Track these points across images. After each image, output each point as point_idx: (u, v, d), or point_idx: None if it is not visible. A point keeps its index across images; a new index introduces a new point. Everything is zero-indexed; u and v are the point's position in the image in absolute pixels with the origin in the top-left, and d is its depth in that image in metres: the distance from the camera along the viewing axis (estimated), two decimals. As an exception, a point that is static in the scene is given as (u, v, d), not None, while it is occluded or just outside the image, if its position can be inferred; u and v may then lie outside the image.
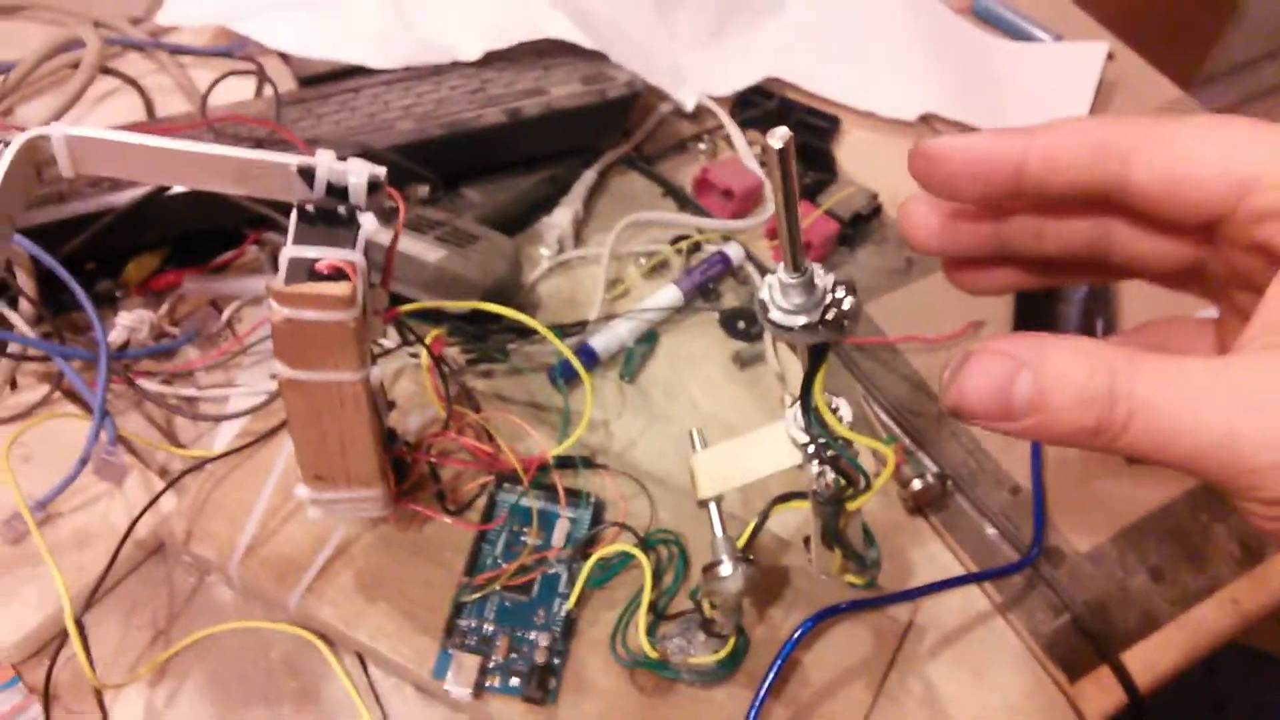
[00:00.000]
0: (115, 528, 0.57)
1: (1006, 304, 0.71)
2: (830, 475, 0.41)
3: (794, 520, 0.59)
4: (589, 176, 0.76)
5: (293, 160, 0.43)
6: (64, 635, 0.53)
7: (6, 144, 0.41)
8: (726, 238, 0.74)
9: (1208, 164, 0.26)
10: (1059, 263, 0.32)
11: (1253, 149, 0.26)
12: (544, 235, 0.73)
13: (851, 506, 0.43)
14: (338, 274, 0.41)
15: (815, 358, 0.35)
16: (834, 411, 0.41)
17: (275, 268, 0.69)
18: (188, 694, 0.54)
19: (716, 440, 0.50)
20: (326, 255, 0.42)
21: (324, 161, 0.43)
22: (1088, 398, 0.24)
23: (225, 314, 0.68)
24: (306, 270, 0.41)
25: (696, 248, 0.74)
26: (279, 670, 0.55)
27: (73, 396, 0.63)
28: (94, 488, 0.58)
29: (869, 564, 0.48)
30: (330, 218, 0.43)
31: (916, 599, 0.57)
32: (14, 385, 0.64)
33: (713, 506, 0.49)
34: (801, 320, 0.32)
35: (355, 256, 0.42)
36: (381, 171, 0.44)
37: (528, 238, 0.74)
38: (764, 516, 0.49)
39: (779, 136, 0.28)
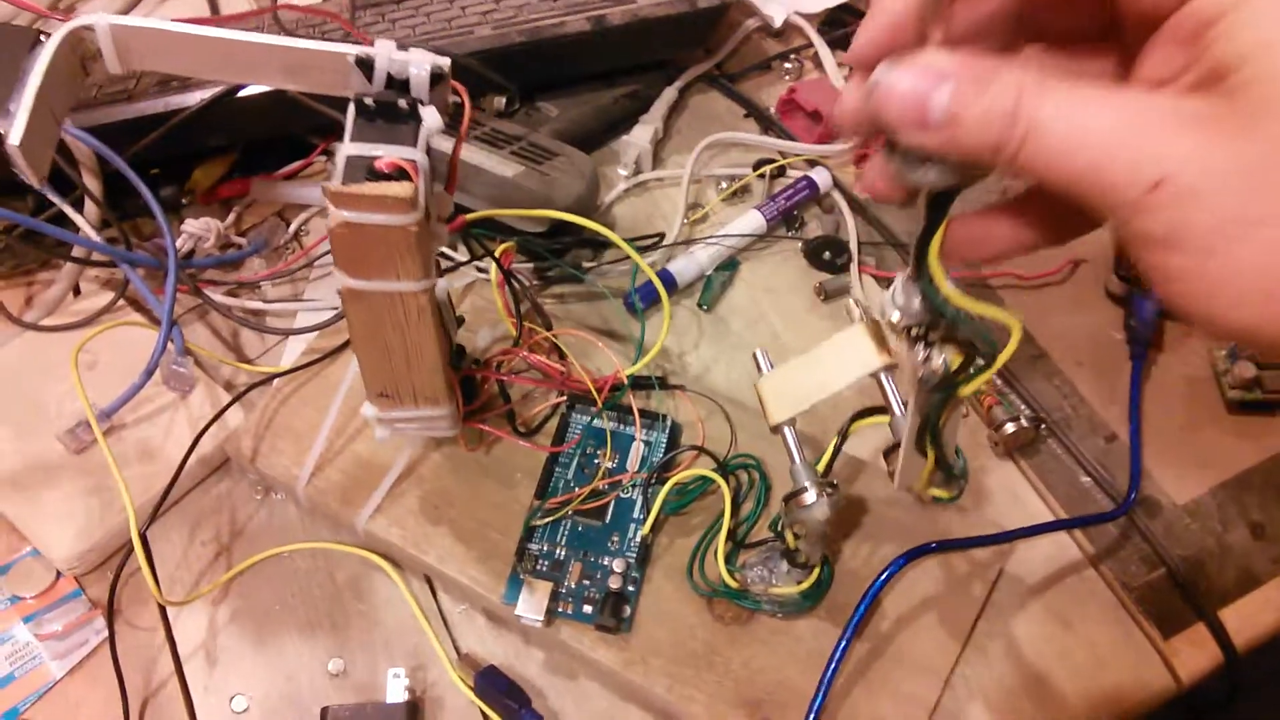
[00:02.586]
0: (179, 441, 0.55)
1: (1106, 244, 0.67)
2: (939, 358, 0.36)
3: (871, 440, 0.56)
4: (670, 94, 0.72)
5: (350, 50, 0.40)
6: (127, 549, 0.51)
7: (49, 36, 0.38)
8: (812, 163, 0.70)
9: None
10: None
11: None
12: (621, 154, 0.70)
13: (967, 390, 0.37)
14: (399, 173, 0.38)
15: (937, 209, 0.30)
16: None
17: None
18: (252, 614, 0.53)
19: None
20: (386, 153, 0.38)
21: (383, 51, 0.40)
22: (994, 114, 0.25)
23: (293, 225, 0.66)
24: (365, 169, 0.38)
25: (780, 172, 0.70)
26: (345, 593, 0.53)
27: (137, 305, 0.61)
28: (158, 399, 0.57)
29: (957, 473, 0.44)
30: (390, 113, 0.40)
31: (1009, 541, 0.54)
32: (78, 291, 0.62)
33: (787, 431, 0.46)
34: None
35: (417, 155, 0.39)
36: (445, 63, 0.40)
37: (604, 156, 0.71)
38: (843, 436, 0.46)
39: None
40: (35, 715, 0.50)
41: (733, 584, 0.49)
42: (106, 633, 0.52)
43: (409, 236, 0.38)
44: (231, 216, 0.65)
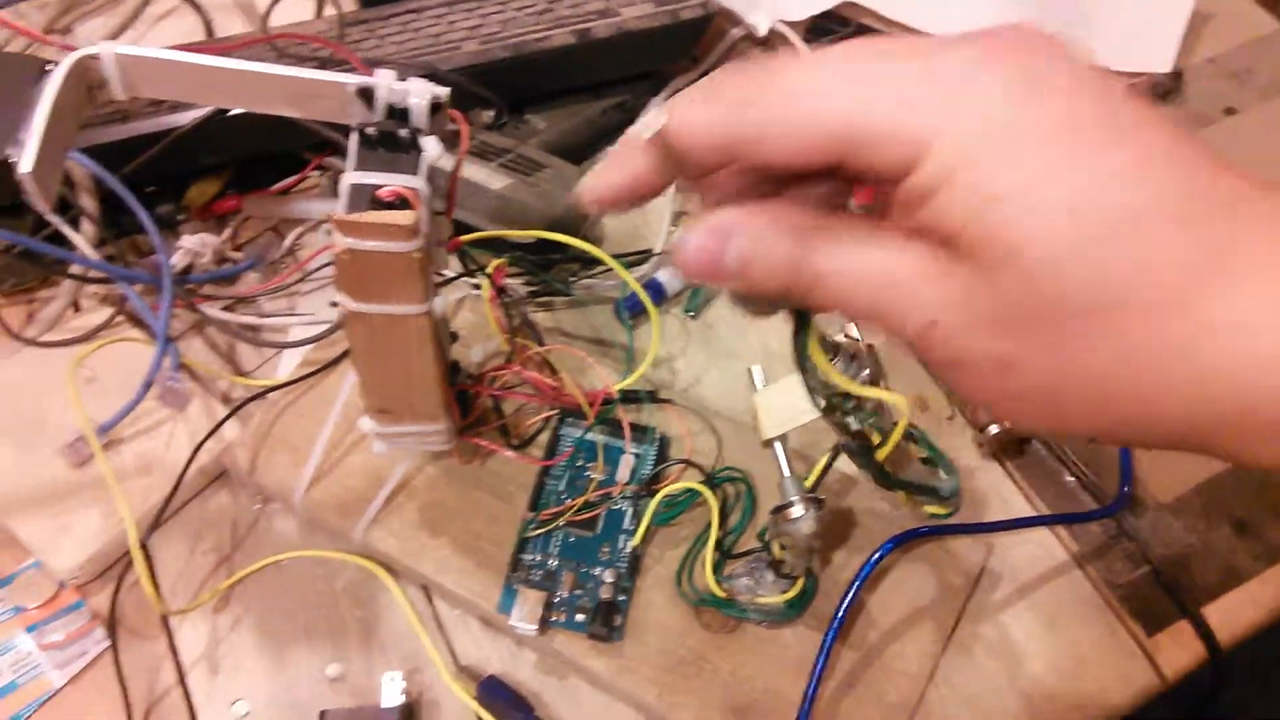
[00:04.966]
0: (177, 453, 0.56)
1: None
2: (855, 426, 0.40)
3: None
4: (657, 104, 0.73)
5: (351, 81, 0.41)
6: (128, 559, 0.53)
7: (56, 65, 0.39)
8: (798, 170, 0.71)
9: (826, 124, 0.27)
10: None
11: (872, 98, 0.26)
12: (609, 164, 0.71)
13: (880, 455, 0.41)
14: (400, 202, 0.39)
15: (798, 317, 0.33)
16: (853, 359, 0.39)
17: (338, 193, 0.69)
18: (253, 621, 0.54)
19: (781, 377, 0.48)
20: (389, 182, 0.40)
21: (384, 82, 0.41)
22: (779, 263, 0.28)
23: (287, 240, 0.67)
24: (368, 198, 0.40)
25: (767, 178, 0.71)
26: (344, 600, 0.54)
27: (135, 320, 0.62)
28: (156, 413, 0.58)
29: (947, 494, 0.47)
30: (392, 142, 0.41)
31: (999, 531, 0.55)
32: (77, 308, 0.63)
33: (778, 446, 0.47)
34: None
35: (419, 183, 0.40)
36: (444, 92, 0.42)
37: (592, 167, 0.72)
38: (835, 455, 0.47)
39: None
40: (40, 724, 0.51)
41: (720, 593, 0.50)
42: (107, 643, 0.53)
43: (411, 262, 0.40)
44: (227, 232, 0.66)
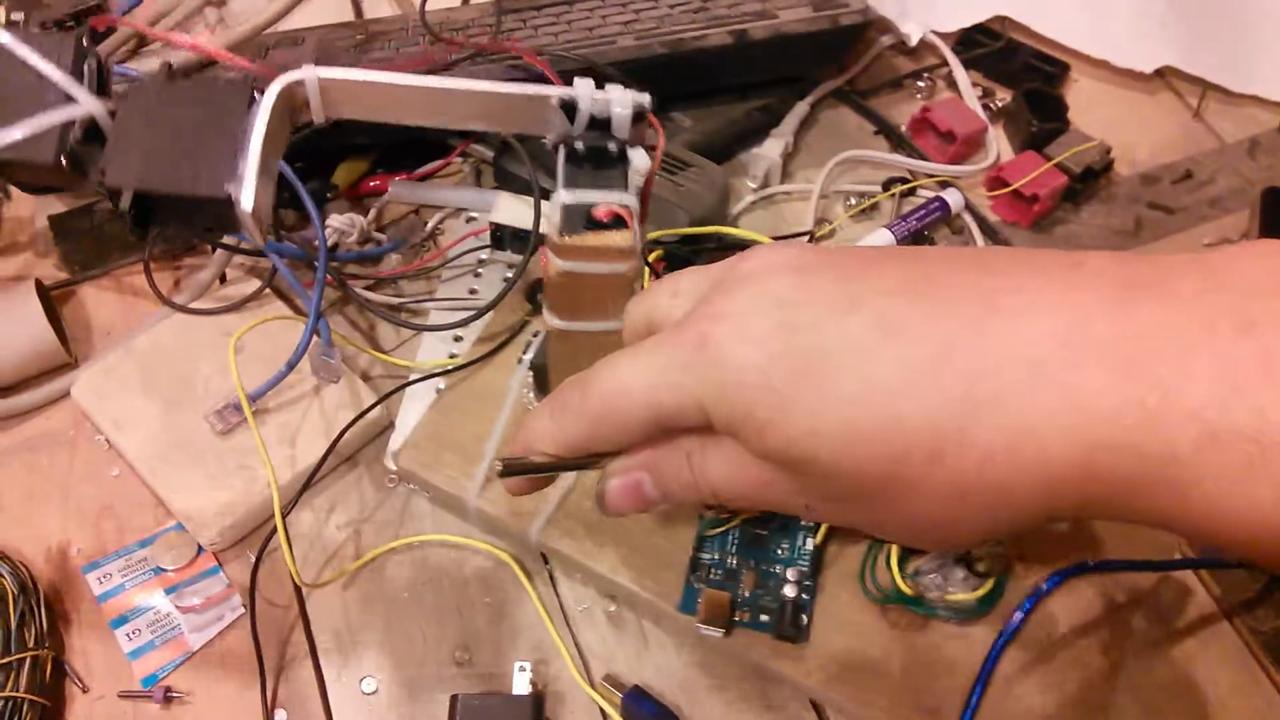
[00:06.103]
0: (316, 427, 0.57)
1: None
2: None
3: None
4: (801, 108, 0.73)
5: (553, 92, 0.40)
6: (266, 529, 0.53)
7: (262, 90, 0.38)
8: (944, 183, 0.70)
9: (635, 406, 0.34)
10: None
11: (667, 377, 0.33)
12: (749, 167, 0.71)
13: None
14: (615, 220, 0.38)
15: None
16: None
17: (479, 181, 0.69)
18: (383, 599, 0.54)
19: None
20: (601, 200, 0.39)
21: (585, 92, 0.40)
22: (687, 487, 0.35)
23: (429, 224, 0.67)
24: (583, 217, 0.38)
25: (911, 192, 0.70)
26: (473, 586, 0.55)
27: (280, 293, 0.63)
28: (297, 386, 0.59)
29: None
30: (597, 155, 0.40)
31: (1135, 571, 0.53)
32: (223, 279, 0.64)
33: None
34: None
35: (631, 200, 0.39)
36: (646, 100, 0.41)
37: (733, 168, 0.71)
38: None
39: None
40: (175, 683, 0.52)
41: (907, 590, 0.49)
42: (241, 610, 0.54)
43: (625, 282, 0.39)
44: (372, 213, 0.67)
